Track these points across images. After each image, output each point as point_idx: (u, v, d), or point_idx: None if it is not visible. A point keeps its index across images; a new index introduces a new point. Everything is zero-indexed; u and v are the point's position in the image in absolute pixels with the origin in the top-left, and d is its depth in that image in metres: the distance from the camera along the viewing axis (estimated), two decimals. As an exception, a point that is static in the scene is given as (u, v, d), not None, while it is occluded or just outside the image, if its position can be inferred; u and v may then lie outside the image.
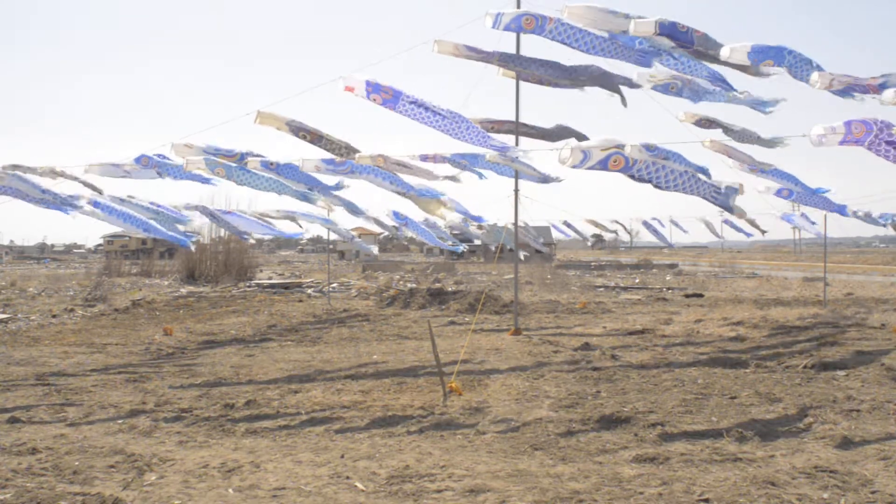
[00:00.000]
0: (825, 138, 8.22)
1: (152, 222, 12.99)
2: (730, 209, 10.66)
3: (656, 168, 9.39)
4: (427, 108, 10.09)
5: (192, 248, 16.54)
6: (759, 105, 11.95)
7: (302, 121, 11.50)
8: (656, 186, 9.61)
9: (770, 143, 12.09)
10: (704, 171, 10.59)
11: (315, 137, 11.22)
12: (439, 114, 10.09)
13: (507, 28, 10.57)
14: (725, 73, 10.85)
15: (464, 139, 10.37)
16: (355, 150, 11.34)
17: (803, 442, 5.65)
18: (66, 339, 12.87)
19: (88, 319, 16.23)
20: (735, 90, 11.26)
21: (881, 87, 8.84)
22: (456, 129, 10.18)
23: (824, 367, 8.82)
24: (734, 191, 10.32)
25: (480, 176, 12.66)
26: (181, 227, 14.20)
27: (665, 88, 11.25)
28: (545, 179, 13.46)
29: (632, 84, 11.61)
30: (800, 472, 4.84)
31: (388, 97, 10.07)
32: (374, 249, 23.79)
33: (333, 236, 20.99)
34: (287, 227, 19.66)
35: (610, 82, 11.55)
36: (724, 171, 11.48)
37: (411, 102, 10.09)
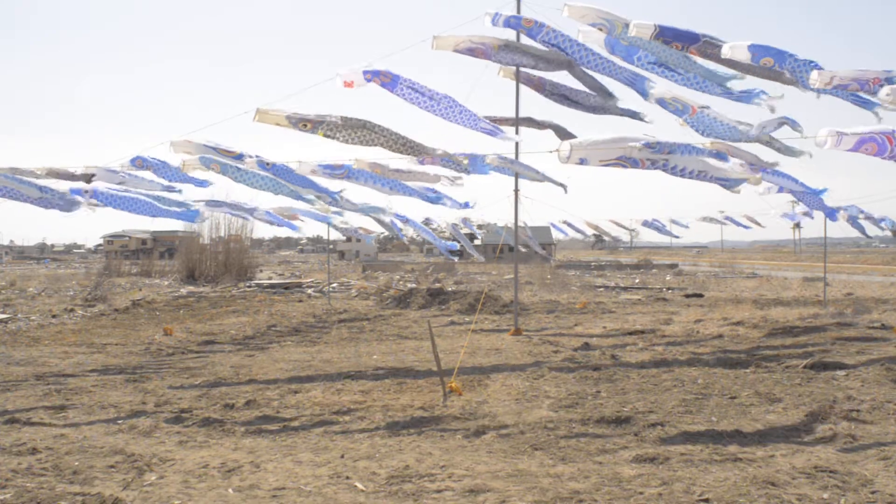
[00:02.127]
0: (827, 143, 8.22)
1: (158, 204, 12.87)
2: (731, 189, 10.84)
3: (663, 164, 9.42)
4: (424, 94, 10.14)
5: (202, 221, 16.68)
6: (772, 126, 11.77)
7: (301, 112, 11.41)
8: (665, 171, 9.69)
9: (791, 152, 11.91)
10: (722, 157, 10.60)
11: (316, 122, 11.09)
12: (434, 98, 10.14)
13: (506, 24, 10.60)
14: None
15: (458, 122, 10.43)
16: (361, 125, 11.10)
17: (803, 442, 5.65)
18: (66, 339, 12.87)
19: (88, 319, 16.23)
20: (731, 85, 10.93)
21: (885, 83, 8.78)
22: (450, 113, 10.24)
23: (824, 367, 8.81)
24: (742, 181, 10.46)
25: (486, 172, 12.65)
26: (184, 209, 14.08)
27: (664, 103, 11.20)
28: (555, 180, 13.49)
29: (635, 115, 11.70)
30: (800, 472, 4.84)
31: (388, 80, 10.11)
32: (371, 242, 23.78)
33: (334, 236, 20.97)
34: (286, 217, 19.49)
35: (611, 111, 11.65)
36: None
37: (409, 87, 10.13)
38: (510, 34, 11.98)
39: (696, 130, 11.29)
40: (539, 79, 12.74)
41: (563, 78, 12.29)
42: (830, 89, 8.79)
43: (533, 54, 11.06)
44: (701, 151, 10.21)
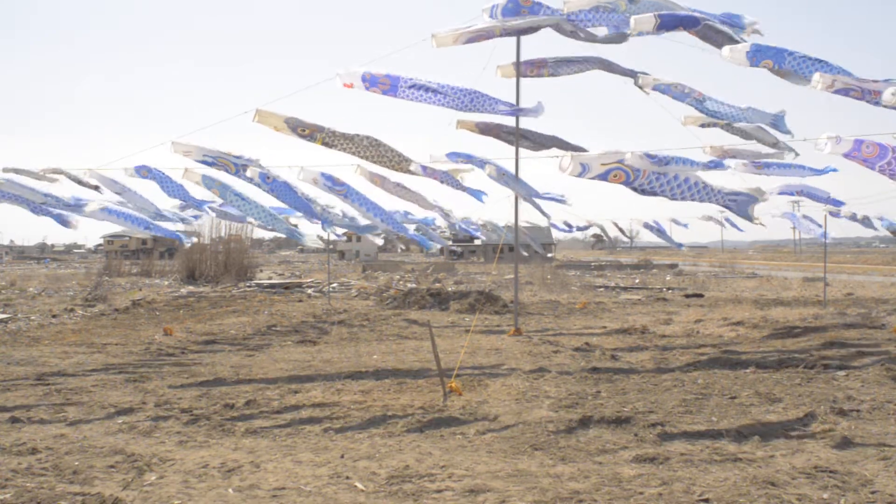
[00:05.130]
0: (828, 146, 8.23)
1: (154, 221, 13.03)
2: (748, 217, 10.62)
3: (663, 179, 9.39)
4: (428, 89, 10.08)
5: (187, 245, 17.74)
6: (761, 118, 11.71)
7: (300, 118, 11.49)
8: (669, 198, 9.65)
9: (779, 150, 11.90)
10: (719, 165, 10.57)
11: (314, 130, 11.10)
12: (440, 92, 10.08)
13: (504, 13, 10.63)
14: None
15: (470, 110, 10.43)
16: (355, 140, 11.08)
17: (803, 442, 5.65)
18: (66, 339, 12.87)
19: (88, 319, 16.23)
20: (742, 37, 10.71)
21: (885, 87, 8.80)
22: (460, 103, 10.21)
23: (824, 367, 8.82)
24: (754, 199, 10.27)
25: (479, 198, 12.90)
26: (181, 227, 14.29)
27: (667, 89, 11.20)
28: (544, 202, 13.58)
29: (634, 74, 11.67)
30: (800, 472, 4.84)
31: (387, 87, 10.04)
32: (377, 240, 23.67)
33: (334, 236, 20.96)
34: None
35: (614, 69, 11.63)
36: (728, 178, 11.52)
37: (411, 87, 10.06)
38: (510, 42, 12.05)
39: (695, 107, 11.31)
40: (540, 60, 12.71)
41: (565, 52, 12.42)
42: (832, 92, 8.80)
43: (536, 25, 10.98)
44: (696, 164, 10.18)
